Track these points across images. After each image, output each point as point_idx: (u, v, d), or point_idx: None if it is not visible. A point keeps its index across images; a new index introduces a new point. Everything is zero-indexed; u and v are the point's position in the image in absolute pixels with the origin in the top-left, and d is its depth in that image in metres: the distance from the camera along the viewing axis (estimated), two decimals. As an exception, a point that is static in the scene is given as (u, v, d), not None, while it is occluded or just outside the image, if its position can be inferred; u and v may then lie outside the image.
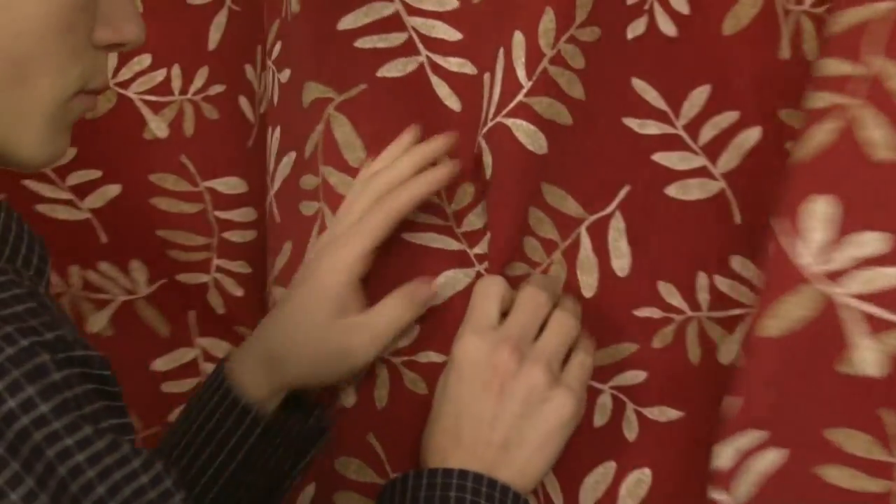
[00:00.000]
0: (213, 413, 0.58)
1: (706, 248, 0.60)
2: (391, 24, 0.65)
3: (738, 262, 0.59)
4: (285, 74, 0.68)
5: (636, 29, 0.61)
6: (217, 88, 0.78)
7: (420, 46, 0.64)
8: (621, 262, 0.60)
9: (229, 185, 0.78)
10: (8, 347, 0.36)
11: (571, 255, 0.60)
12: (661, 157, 0.61)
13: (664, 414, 0.59)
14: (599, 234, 0.60)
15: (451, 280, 0.61)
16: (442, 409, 0.56)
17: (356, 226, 0.59)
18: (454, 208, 0.62)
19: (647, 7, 0.61)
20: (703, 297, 0.59)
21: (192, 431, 0.59)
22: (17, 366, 0.36)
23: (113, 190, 0.78)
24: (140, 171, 0.77)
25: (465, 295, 0.60)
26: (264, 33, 0.73)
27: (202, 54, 0.78)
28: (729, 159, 0.60)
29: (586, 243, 0.61)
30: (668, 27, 0.61)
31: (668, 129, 0.61)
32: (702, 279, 0.59)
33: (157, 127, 0.78)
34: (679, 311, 0.59)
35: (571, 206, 0.61)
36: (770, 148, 0.60)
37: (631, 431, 0.59)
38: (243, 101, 0.78)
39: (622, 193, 0.60)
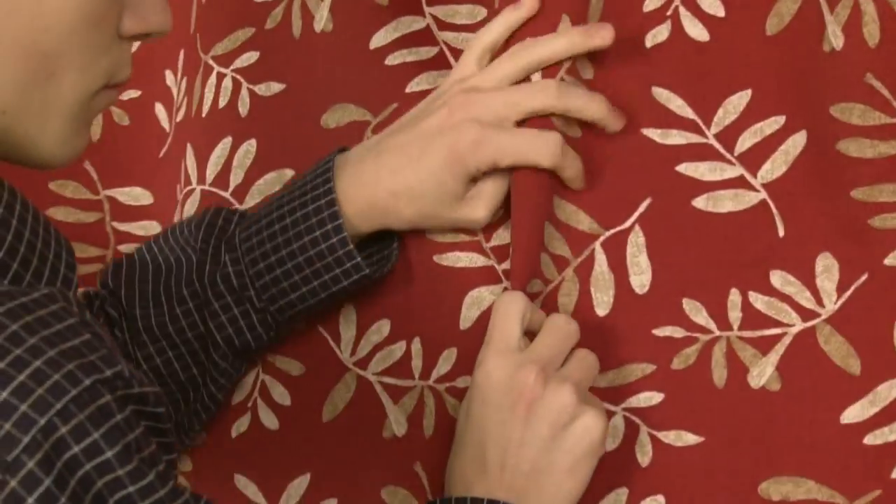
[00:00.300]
0: (319, 248, 0.59)
1: (741, 263, 0.57)
2: (421, 38, 0.65)
3: (778, 278, 0.57)
4: (269, 88, 0.68)
5: (657, 36, 0.61)
6: (131, 94, 0.76)
7: (451, 59, 0.64)
8: (641, 279, 0.58)
9: (132, 195, 0.76)
10: (71, 387, 0.36)
11: (585, 271, 0.58)
12: (686, 168, 0.59)
13: (681, 439, 0.57)
14: (616, 250, 0.58)
15: (476, 300, 0.60)
16: (465, 435, 0.54)
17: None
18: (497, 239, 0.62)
19: (669, 13, 0.61)
20: (735, 315, 0.57)
21: (283, 244, 0.60)
22: (81, 408, 0.36)
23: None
24: (41, 178, 0.75)
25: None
26: (191, 38, 0.72)
27: None
28: (773, 168, 0.58)
29: (601, 259, 0.59)
30: (697, 31, 0.60)
31: (696, 139, 0.59)
32: (734, 296, 0.57)
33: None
34: (705, 331, 0.57)
35: (584, 221, 0.59)
36: (817, 151, 0.58)
37: (644, 456, 0.57)
38: (159, 109, 0.76)
39: (643, 207, 0.59)
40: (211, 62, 0.69)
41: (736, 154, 0.58)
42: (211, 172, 0.68)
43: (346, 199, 0.58)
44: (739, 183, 0.58)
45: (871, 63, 0.58)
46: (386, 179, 0.58)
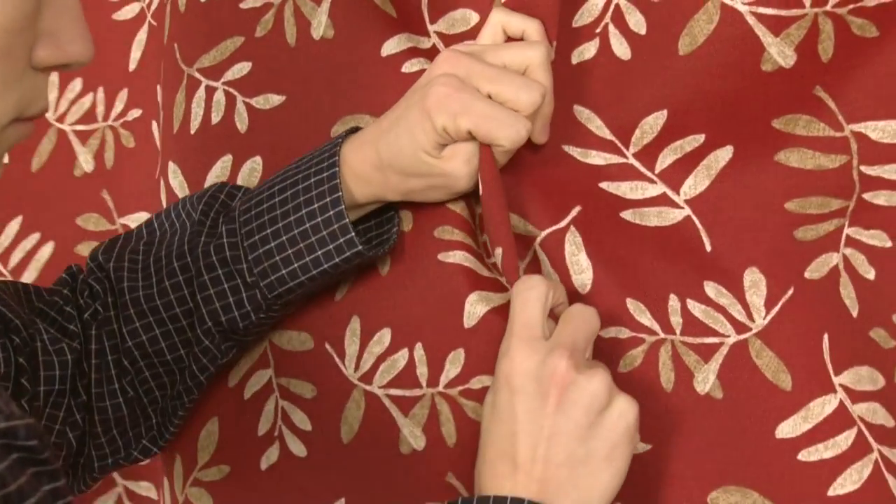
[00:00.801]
0: (319, 232, 0.60)
1: (675, 272, 0.58)
2: (430, 55, 0.65)
3: (712, 289, 0.58)
4: (268, 100, 0.67)
5: (583, 53, 0.61)
6: (134, 113, 0.76)
7: None
8: (582, 278, 0.59)
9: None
10: None
11: (534, 272, 0.59)
12: (609, 186, 0.61)
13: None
14: (556, 250, 0.60)
15: (483, 296, 0.60)
16: (493, 431, 0.52)
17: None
18: (484, 238, 0.62)
19: (598, 30, 0.61)
20: (676, 319, 0.58)
21: (282, 217, 0.60)
22: None
23: (46, 252, 0.78)
24: (68, 214, 0.77)
25: (502, 311, 0.59)
26: (167, 49, 0.71)
27: (124, 75, 0.75)
28: (696, 182, 0.60)
29: (544, 259, 0.60)
30: (622, 50, 0.61)
31: (616, 159, 0.61)
32: (674, 301, 0.58)
33: (85, 160, 0.78)
34: (650, 332, 0.57)
35: (519, 225, 0.61)
36: (746, 165, 0.59)
37: None
38: (154, 127, 0.76)
39: (574, 212, 0.61)
40: (197, 75, 0.69)
41: (657, 171, 0.60)
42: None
43: (346, 167, 0.59)
44: (662, 200, 0.60)
45: (822, 76, 0.58)
46: (378, 140, 0.59)
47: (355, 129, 0.62)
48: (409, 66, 0.64)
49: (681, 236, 0.59)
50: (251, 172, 0.67)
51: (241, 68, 0.68)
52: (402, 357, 0.61)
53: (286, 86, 0.67)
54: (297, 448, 0.63)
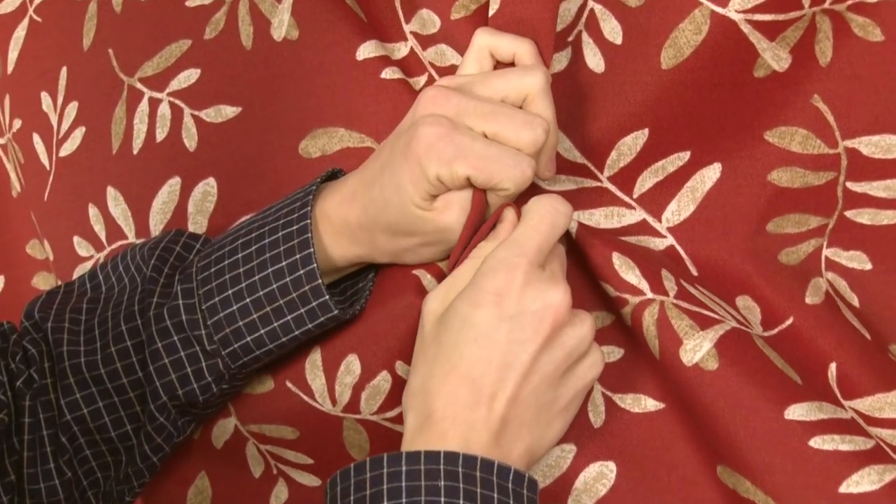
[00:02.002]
0: (288, 294, 0.56)
1: (666, 274, 0.58)
2: (408, 64, 0.63)
3: (704, 296, 0.58)
4: (220, 112, 0.64)
5: (554, 65, 0.59)
6: (16, 124, 0.71)
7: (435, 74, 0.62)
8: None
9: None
10: None
11: None
12: (580, 216, 0.60)
13: (639, 404, 0.57)
14: None
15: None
16: (462, 348, 0.50)
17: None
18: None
19: (571, 38, 0.59)
20: (670, 285, 0.56)
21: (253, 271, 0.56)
22: None
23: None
24: (17, 243, 0.74)
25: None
26: (91, 55, 0.67)
27: (3, 79, 0.71)
28: (680, 207, 0.59)
29: None
30: (595, 61, 0.59)
31: (589, 183, 0.60)
32: (667, 273, 0.57)
33: (15, 178, 0.74)
34: (637, 291, 0.56)
35: None
36: (736, 185, 0.59)
37: (597, 417, 0.58)
38: (37, 141, 0.70)
39: None
40: (139, 86, 0.66)
41: (636, 196, 0.60)
42: (157, 222, 0.65)
43: (326, 223, 0.57)
44: (642, 228, 0.59)
45: (820, 83, 0.58)
46: (360, 194, 0.56)
47: (334, 174, 0.60)
48: (391, 73, 0.61)
49: (666, 258, 0.59)
50: (204, 196, 0.64)
51: (189, 76, 0.65)
52: (383, 380, 0.59)
53: (242, 95, 0.64)
54: (307, 479, 0.62)
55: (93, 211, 0.67)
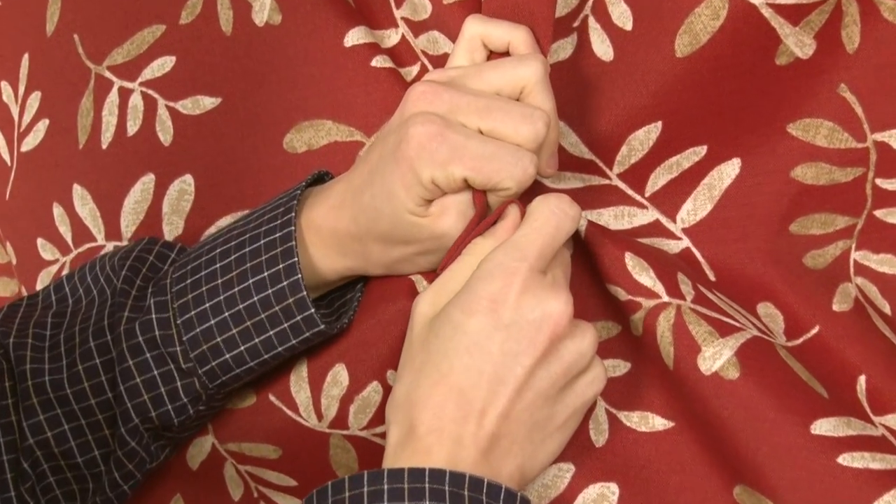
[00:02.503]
0: (270, 296, 0.54)
1: (682, 278, 0.56)
2: (399, 52, 0.62)
3: (724, 303, 0.56)
4: (198, 104, 0.63)
5: (558, 52, 0.58)
6: None
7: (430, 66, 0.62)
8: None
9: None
10: None
11: None
12: (589, 214, 0.59)
13: (647, 422, 0.56)
14: None
15: None
16: (451, 357, 0.49)
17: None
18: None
19: (576, 24, 0.58)
20: (687, 289, 0.55)
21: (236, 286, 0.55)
22: None
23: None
24: None
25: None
26: (66, 41, 0.66)
27: None
28: (696, 207, 0.58)
29: None
30: (603, 49, 0.58)
31: (597, 181, 0.59)
32: (684, 277, 0.56)
33: None
34: (651, 294, 0.54)
35: None
36: (757, 182, 0.58)
37: (599, 435, 0.57)
38: None
39: None
40: (108, 75, 0.64)
41: (648, 194, 0.59)
42: (128, 223, 0.64)
43: (314, 234, 0.56)
44: (655, 229, 0.58)
45: (847, 71, 0.57)
46: (348, 202, 0.54)
47: (320, 177, 0.58)
48: (382, 61, 0.60)
49: (682, 261, 0.58)
50: (180, 195, 0.63)
51: (163, 64, 0.63)
52: (373, 392, 0.57)
53: (221, 85, 0.63)
54: (290, 503, 0.61)
55: (58, 211, 0.66)
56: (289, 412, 0.59)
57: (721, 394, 0.53)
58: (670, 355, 0.54)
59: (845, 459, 0.51)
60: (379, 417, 0.58)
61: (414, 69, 0.62)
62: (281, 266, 0.53)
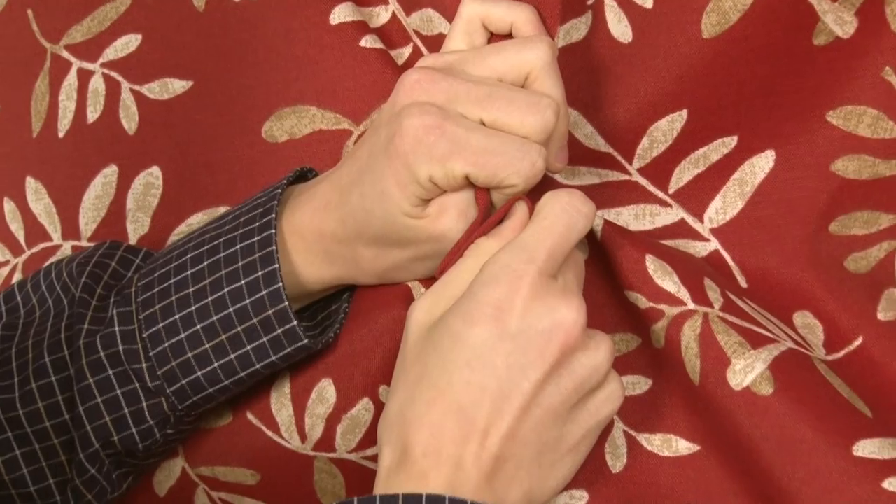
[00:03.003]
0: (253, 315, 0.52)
1: (709, 284, 0.55)
2: (389, 32, 0.60)
3: (756, 312, 0.55)
4: (166, 87, 0.61)
5: (571, 33, 0.57)
6: None
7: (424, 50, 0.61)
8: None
9: None
10: None
11: None
12: (607, 216, 0.58)
13: (670, 446, 0.55)
14: None
15: None
16: (451, 370, 0.47)
17: None
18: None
19: (590, 1, 0.58)
20: (715, 296, 0.54)
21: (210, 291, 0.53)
22: None
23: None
24: None
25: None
26: (18, 16, 0.64)
27: None
28: (725, 204, 0.57)
29: None
30: (621, 29, 0.57)
31: (615, 176, 0.58)
32: (710, 282, 0.55)
33: None
34: (675, 301, 0.53)
35: None
36: (794, 175, 0.57)
37: (616, 460, 0.55)
38: None
39: None
40: (66, 55, 0.63)
41: (672, 191, 0.58)
42: (88, 220, 0.63)
43: (297, 238, 0.54)
44: (680, 230, 0.58)
45: (893, 52, 0.56)
46: (335, 203, 0.53)
47: (303, 174, 0.58)
48: (372, 41, 0.59)
49: (715, 269, 0.57)
50: (146, 189, 0.62)
51: (127, 43, 0.62)
52: (363, 410, 0.56)
53: (193, 67, 0.62)
54: None
55: (9, 206, 0.65)
56: (268, 432, 0.58)
57: (753, 412, 0.51)
58: (696, 369, 0.52)
59: (891, 484, 0.50)
60: (369, 438, 0.56)
61: (406, 51, 0.60)
62: (260, 273, 0.52)
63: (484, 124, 0.50)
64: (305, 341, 0.53)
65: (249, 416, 0.58)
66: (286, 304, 0.52)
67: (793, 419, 0.50)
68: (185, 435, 0.58)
